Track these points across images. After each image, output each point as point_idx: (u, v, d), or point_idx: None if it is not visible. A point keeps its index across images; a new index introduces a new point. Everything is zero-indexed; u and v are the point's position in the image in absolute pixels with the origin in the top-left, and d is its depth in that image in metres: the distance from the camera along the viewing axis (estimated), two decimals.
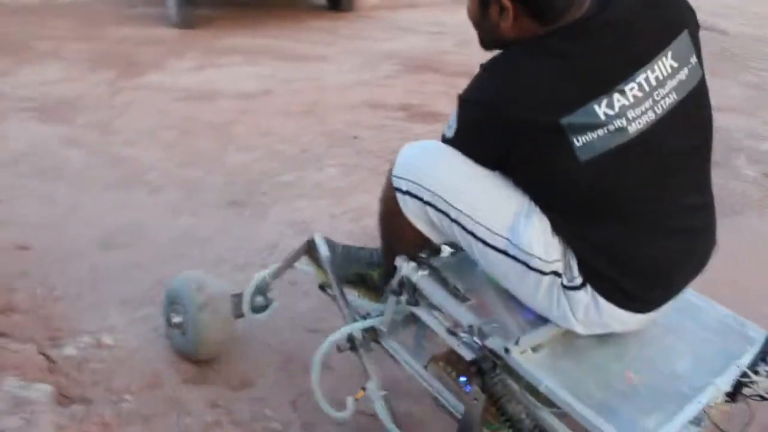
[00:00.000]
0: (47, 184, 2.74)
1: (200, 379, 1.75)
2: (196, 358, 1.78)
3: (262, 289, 1.78)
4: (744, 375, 1.29)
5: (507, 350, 1.24)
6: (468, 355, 1.29)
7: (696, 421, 1.25)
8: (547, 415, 1.24)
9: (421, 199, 1.35)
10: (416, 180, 1.34)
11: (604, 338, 1.35)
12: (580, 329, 1.29)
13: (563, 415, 1.23)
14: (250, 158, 3.09)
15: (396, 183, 1.38)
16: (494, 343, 1.25)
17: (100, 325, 1.92)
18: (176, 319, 1.77)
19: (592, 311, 1.26)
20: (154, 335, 1.90)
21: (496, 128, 1.20)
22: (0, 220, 2.44)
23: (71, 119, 3.42)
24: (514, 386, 1.25)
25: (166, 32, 5.09)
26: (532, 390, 1.24)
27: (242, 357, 1.84)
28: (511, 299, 1.38)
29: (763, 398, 1.29)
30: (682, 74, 1.22)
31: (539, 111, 1.14)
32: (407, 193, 1.37)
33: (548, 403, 1.22)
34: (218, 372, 1.79)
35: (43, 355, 1.66)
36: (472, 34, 1.31)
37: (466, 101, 1.23)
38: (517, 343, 1.25)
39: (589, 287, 1.25)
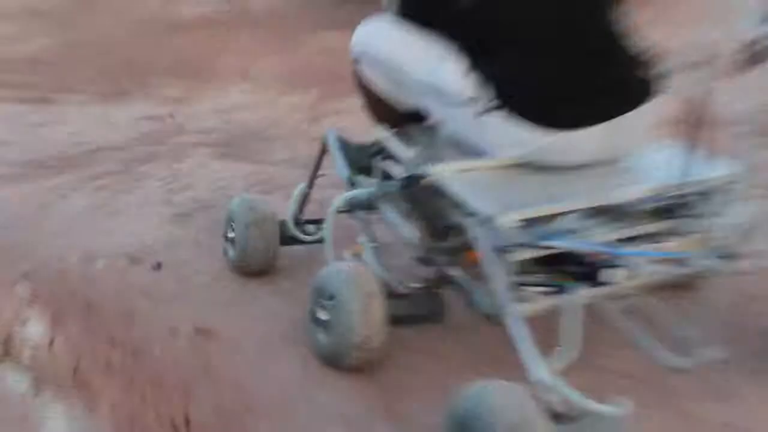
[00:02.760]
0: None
1: None
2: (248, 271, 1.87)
3: (304, 199, 1.89)
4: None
5: (428, 172, 1.53)
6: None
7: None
8: (456, 215, 1.44)
9: (371, 63, 1.67)
10: (366, 49, 1.68)
11: (534, 171, 1.50)
12: (507, 151, 1.51)
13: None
14: None
15: (353, 55, 1.71)
16: (422, 168, 1.54)
17: None
18: (230, 235, 1.86)
19: (511, 131, 1.48)
20: None
21: None
22: None
23: (264, 155, 2.56)
24: (439, 200, 1.49)
25: None
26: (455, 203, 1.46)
27: None
28: (455, 147, 1.60)
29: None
30: None
31: None
32: (362, 61, 1.68)
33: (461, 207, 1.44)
34: None
35: None
36: None
37: None
38: (438, 166, 1.52)
39: (504, 111, 1.46)
